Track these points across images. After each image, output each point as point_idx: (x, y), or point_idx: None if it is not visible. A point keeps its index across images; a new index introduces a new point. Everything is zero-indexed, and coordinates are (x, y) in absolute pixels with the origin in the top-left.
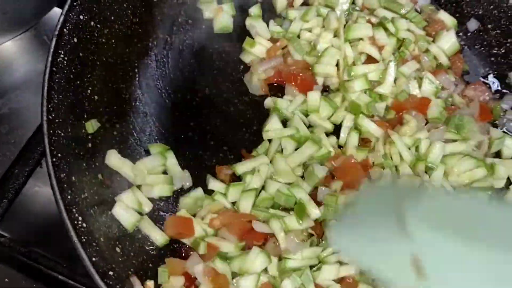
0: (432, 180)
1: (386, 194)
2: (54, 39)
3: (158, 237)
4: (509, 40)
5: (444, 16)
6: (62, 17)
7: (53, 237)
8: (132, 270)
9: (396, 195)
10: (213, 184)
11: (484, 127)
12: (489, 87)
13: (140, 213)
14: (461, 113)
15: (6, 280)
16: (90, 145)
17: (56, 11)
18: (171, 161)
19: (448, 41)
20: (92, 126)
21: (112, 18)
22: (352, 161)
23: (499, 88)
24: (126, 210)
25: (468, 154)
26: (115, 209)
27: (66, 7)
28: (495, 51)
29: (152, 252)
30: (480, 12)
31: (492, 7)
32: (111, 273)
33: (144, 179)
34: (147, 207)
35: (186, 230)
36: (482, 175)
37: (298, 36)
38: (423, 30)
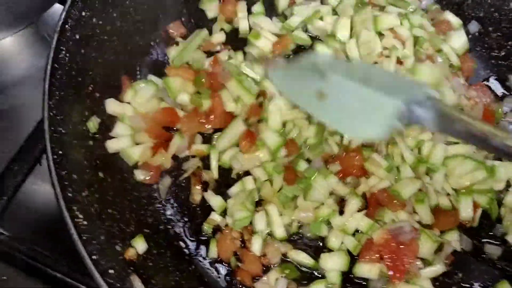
0: (433, 182)
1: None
2: (56, 35)
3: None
4: (509, 43)
5: (450, 17)
6: (64, 13)
7: (53, 235)
8: (132, 268)
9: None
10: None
11: None
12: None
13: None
14: None
15: (4, 278)
16: (91, 142)
17: (57, 7)
18: None
19: (459, 40)
20: (93, 125)
21: (115, 15)
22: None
23: (501, 90)
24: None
25: (469, 156)
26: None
27: (68, 3)
28: (496, 54)
29: (154, 251)
30: (481, 15)
31: (493, 9)
32: (111, 271)
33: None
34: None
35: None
36: (482, 177)
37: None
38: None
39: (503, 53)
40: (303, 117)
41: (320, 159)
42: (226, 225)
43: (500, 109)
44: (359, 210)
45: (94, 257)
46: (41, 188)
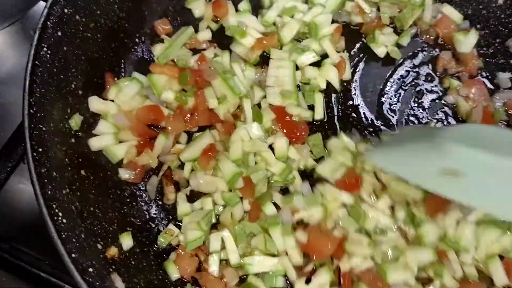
0: (462, 259)
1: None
2: (37, 33)
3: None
4: (497, 40)
5: (450, 11)
6: (46, 10)
7: (37, 234)
8: (113, 267)
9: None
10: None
11: None
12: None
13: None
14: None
15: None
16: (73, 140)
17: (42, 5)
18: None
19: (470, 44)
20: (75, 122)
21: (98, 12)
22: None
23: (489, 87)
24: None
25: (492, 221)
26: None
27: (50, 0)
28: (484, 51)
29: (136, 250)
30: (469, 12)
31: (481, 7)
32: (91, 269)
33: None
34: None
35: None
36: (510, 242)
37: None
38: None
39: (491, 51)
40: (267, 150)
41: (290, 212)
42: (179, 244)
43: (500, 111)
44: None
45: (73, 255)
46: (25, 186)
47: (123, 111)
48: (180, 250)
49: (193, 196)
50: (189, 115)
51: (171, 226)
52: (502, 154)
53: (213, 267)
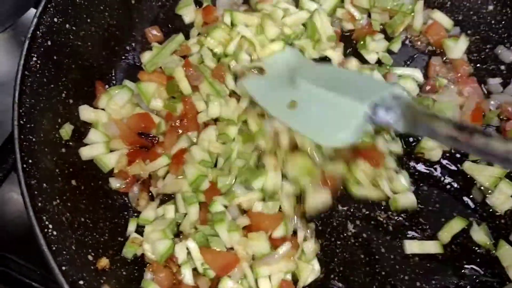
0: None
1: (285, 63)
2: (27, 42)
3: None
4: (488, 46)
5: (440, 17)
6: (35, 19)
7: (28, 243)
8: (104, 278)
9: (293, 64)
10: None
11: None
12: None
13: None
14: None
15: None
16: (64, 150)
17: (34, 11)
18: None
19: (460, 50)
20: (66, 132)
21: (89, 20)
22: None
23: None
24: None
25: None
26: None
27: (40, 9)
28: (474, 57)
29: (128, 260)
30: (459, 18)
31: (471, 13)
32: (81, 282)
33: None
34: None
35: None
36: None
37: None
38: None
39: (482, 56)
40: (235, 151)
41: (236, 208)
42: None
43: (493, 113)
44: None
45: (64, 268)
46: (16, 195)
47: (113, 119)
48: (154, 267)
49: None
50: (178, 122)
51: (135, 235)
52: (331, 89)
53: (187, 278)
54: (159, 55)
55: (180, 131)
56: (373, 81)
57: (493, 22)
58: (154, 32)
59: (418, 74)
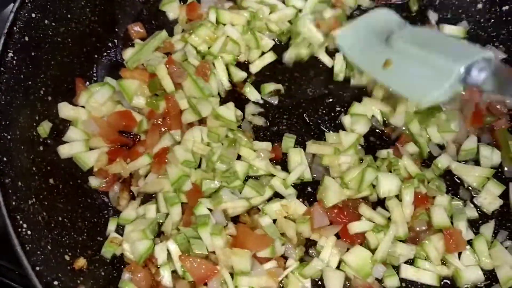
0: None
1: (382, 22)
2: (3, 38)
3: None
4: (477, 44)
5: (432, 16)
6: (12, 14)
7: (5, 242)
8: (81, 278)
9: (389, 25)
10: None
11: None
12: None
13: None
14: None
15: None
16: (41, 148)
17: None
18: None
19: None
20: (44, 129)
21: (69, 16)
22: None
23: None
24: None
25: None
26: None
27: (17, 4)
28: None
29: (106, 260)
30: (448, 16)
31: (460, 11)
32: (56, 282)
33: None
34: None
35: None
36: None
37: None
38: None
39: None
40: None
41: (221, 213)
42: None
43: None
44: None
45: (38, 268)
46: None
47: (93, 117)
48: (133, 267)
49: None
50: (161, 120)
51: (114, 234)
52: (426, 48)
53: (165, 280)
54: (141, 52)
55: (163, 130)
56: (466, 45)
57: (482, 20)
58: (136, 29)
59: None
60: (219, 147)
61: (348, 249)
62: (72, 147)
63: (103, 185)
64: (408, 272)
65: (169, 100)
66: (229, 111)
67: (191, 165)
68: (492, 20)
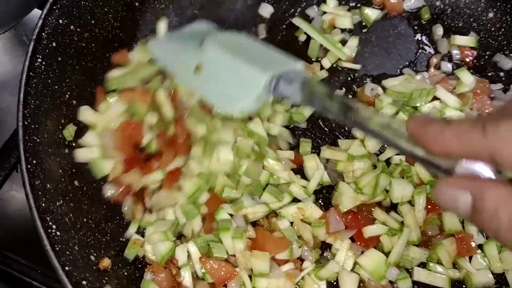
0: None
1: (197, 29)
2: (32, 43)
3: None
4: (488, 53)
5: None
6: (41, 21)
7: (28, 242)
8: (106, 278)
9: (204, 31)
10: None
11: None
12: None
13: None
14: None
15: None
16: (67, 150)
17: (37, 12)
18: None
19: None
20: (69, 132)
21: (93, 22)
22: None
23: None
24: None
25: None
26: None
27: (45, 11)
28: (474, 64)
29: (129, 261)
30: (460, 25)
31: (471, 19)
32: (84, 282)
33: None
34: None
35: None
36: None
37: None
38: None
39: (482, 63)
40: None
41: (242, 217)
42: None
43: None
44: None
45: (67, 268)
46: (17, 194)
47: (109, 128)
48: (154, 268)
49: None
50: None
51: (136, 236)
52: (237, 55)
53: (186, 281)
54: (126, 76)
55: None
56: (279, 55)
57: (493, 29)
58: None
59: None
60: (246, 161)
61: (362, 252)
62: (89, 152)
63: (116, 194)
64: (421, 275)
65: (178, 124)
66: (260, 127)
67: (206, 177)
68: (503, 29)
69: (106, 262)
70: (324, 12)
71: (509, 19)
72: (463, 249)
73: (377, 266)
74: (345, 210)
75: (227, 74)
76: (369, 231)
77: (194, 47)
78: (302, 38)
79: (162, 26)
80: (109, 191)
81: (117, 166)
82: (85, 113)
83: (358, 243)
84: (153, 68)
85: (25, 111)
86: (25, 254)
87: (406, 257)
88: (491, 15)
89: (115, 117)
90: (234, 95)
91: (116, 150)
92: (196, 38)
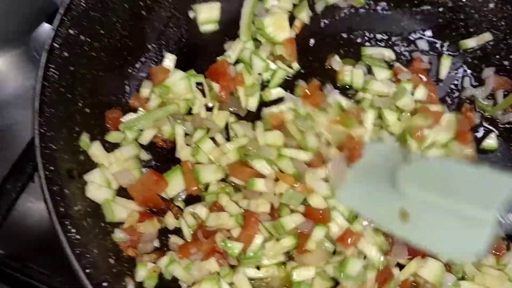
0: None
1: (382, 158)
2: (45, 54)
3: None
4: (490, 43)
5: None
6: (53, 32)
7: (47, 251)
8: (126, 280)
9: (391, 159)
10: None
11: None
12: None
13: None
14: None
15: None
16: (82, 157)
17: (45, 26)
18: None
19: None
20: (85, 142)
21: (102, 32)
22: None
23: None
24: (98, 188)
25: None
26: (88, 188)
27: (57, 22)
28: (477, 54)
29: None
30: (461, 17)
31: (473, 11)
32: (105, 284)
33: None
34: (115, 184)
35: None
36: None
37: None
38: None
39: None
40: None
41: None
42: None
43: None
44: None
45: (87, 270)
46: (34, 205)
47: (127, 171)
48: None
49: None
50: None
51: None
52: (446, 194)
53: None
54: (141, 119)
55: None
56: (491, 175)
57: (494, 19)
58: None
59: (388, 53)
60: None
61: None
62: (101, 192)
63: (127, 240)
64: None
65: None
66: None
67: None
68: (504, 19)
69: (131, 251)
70: None
71: (510, 9)
72: None
73: None
74: None
75: (441, 216)
76: None
77: (389, 188)
78: None
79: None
80: (120, 235)
81: (134, 214)
82: (96, 150)
83: None
84: (167, 112)
85: (41, 120)
86: (44, 264)
87: None
88: (492, 5)
89: (123, 160)
90: (458, 238)
91: (137, 203)
92: (384, 170)
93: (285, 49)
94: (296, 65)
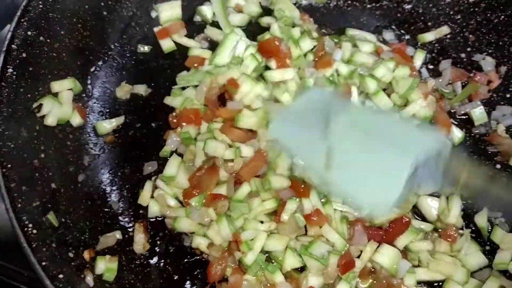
0: None
1: (319, 101)
2: (2, 55)
3: None
4: (448, 36)
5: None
6: (10, 33)
7: (13, 247)
8: (85, 273)
9: (327, 103)
10: None
11: None
12: None
13: None
14: None
15: None
16: (43, 155)
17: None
18: None
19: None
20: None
21: (62, 32)
22: None
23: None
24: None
25: None
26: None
27: (13, 24)
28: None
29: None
30: (420, 11)
31: (431, 5)
32: (61, 276)
33: None
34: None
35: None
36: None
37: None
38: None
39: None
40: None
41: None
42: None
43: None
44: None
45: (43, 263)
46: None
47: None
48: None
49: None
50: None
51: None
52: (372, 135)
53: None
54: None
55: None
56: (419, 130)
57: (451, 13)
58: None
59: (371, 37)
60: None
61: None
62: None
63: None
64: None
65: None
66: None
67: None
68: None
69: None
70: None
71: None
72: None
73: None
74: None
75: (362, 161)
76: None
77: (319, 131)
78: None
79: None
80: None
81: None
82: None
83: None
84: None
85: None
86: (10, 259)
87: None
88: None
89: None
90: (375, 188)
91: None
92: (319, 114)
93: None
94: None
